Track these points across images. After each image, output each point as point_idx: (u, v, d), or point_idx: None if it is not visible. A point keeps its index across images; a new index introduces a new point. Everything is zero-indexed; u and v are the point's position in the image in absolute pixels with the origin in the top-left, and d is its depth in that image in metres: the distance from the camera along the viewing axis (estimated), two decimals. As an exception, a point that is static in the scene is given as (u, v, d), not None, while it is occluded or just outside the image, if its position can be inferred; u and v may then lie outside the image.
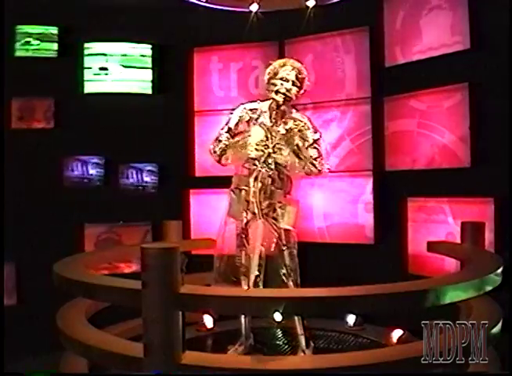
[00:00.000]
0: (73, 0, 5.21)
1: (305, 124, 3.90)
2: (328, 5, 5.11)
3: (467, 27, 4.35)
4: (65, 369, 3.45)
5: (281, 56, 5.33)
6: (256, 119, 3.93)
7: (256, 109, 3.95)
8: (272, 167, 3.84)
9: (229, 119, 4.00)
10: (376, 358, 2.87)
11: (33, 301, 4.85)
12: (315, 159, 3.87)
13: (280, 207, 3.84)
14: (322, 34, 5.27)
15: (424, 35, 4.70)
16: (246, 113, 3.96)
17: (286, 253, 3.83)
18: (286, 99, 3.88)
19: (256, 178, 3.85)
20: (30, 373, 3.18)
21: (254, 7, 5.12)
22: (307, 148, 3.87)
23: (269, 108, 3.93)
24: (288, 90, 3.86)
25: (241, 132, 3.98)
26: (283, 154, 3.86)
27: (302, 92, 3.95)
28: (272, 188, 3.86)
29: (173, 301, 2.71)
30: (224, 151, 3.96)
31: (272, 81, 3.90)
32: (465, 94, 4.40)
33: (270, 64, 4.00)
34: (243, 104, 4.03)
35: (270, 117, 3.91)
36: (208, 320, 4.63)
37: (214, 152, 3.99)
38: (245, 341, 4.00)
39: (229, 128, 3.98)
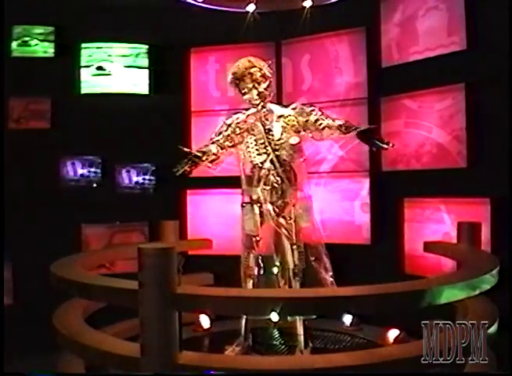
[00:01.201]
0: (71, 0, 5.21)
1: (294, 114, 3.99)
2: (325, 6, 5.11)
3: (464, 28, 4.37)
4: (62, 369, 3.45)
5: (278, 56, 5.37)
6: (247, 129, 3.98)
7: (244, 120, 4.01)
8: (278, 166, 3.88)
9: (220, 126, 4.10)
10: (373, 358, 2.88)
11: (30, 301, 4.84)
12: (317, 120, 3.90)
13: (295, 207, 3.89)
14: (319, 35, 5.27)
15: (421, 36, 4.71)
16: (237, 126, 4.00)
17: (295, 253, 3.86)
18: (265, 96, 4.01)
19: (265, 181, 3.89)
20: (32, 372, 3.17)
21: (251, 7, 5.13)
22: (307, 120, 3.93)
23: (255, 113, 3.98)
24: (263, 90, 3.99)
25: (235, 145, 4.05)
26: (286, 150, 3.91)
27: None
28: (284, 187, 3.90)
29: (170, 302, 2.71)
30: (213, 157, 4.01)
31: (243, 91, 4.02)
32: (461, 94, 4.41)
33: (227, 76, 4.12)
34: (231, 117, 4.11)
35: (260, 121, 3.95)
36: (205, 320, 4.63)
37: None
38: (243, 341, 4.01)
39: (220, 132, 4.05)
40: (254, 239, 3.97)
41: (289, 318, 3.55)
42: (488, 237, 4.11)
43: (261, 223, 3.97)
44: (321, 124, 3.86)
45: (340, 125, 3.79)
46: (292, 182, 3.95)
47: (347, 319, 4.62)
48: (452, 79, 4.45)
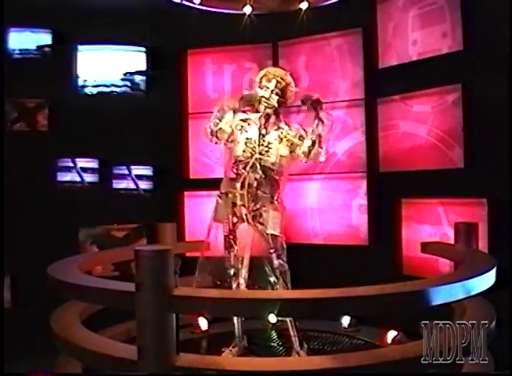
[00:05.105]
0: (68, 2, 5.21)
1: (296, 134, 3.94)
2: (321, 7, 5.10)
3: (460, 29, 4.38)
4: (60, 370, 3.44)
5: (275, 58, 5.38)
6: (246, 128, 3.96)
7: (247, 119, 3.98)
8: (260, 171, 3.86)
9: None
10: (371, 359, 2.88)
11: (27, 304, 4.84)
12: (310, 147, 3.87)
13: (265, 212, 3.85)
14: (316, 36, 5.28)
15: (417, 37, 4.71)
16: (239, 121, 3.97)
17: (274, 256, 3.85)
18: (268, 107, 3.94)
19: (243, 182, 3.88)
20: (31, 373, 3.16)
21: (248, 9, 5.12)
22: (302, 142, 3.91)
23: (259, 118, 3.96)
24: (267, 98, 3.93)
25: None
26: (271, 158, 3.89)
27: (287, 99, 4.02)
28: (259, 192, 3.88)
29: (167, 304, 2.70)
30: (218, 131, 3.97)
31: (257, 90, 3.98)
32: (458, 95, 4.42)
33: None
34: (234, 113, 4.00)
35: (260, 125, 3.94)
36: (203, 322, 4.62)
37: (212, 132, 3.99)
38: (239, 342, 4.01)
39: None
40: (230, 236, 3.96)
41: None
42: (485, 238, 4.11)
43: (235, 224, 3.96)
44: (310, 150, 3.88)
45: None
46: (270, 190, 3.91)
47: (345, 320, 4.62)
48: (449, 80, 4.46)
